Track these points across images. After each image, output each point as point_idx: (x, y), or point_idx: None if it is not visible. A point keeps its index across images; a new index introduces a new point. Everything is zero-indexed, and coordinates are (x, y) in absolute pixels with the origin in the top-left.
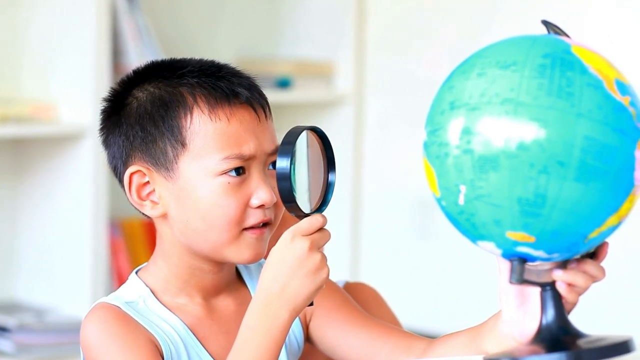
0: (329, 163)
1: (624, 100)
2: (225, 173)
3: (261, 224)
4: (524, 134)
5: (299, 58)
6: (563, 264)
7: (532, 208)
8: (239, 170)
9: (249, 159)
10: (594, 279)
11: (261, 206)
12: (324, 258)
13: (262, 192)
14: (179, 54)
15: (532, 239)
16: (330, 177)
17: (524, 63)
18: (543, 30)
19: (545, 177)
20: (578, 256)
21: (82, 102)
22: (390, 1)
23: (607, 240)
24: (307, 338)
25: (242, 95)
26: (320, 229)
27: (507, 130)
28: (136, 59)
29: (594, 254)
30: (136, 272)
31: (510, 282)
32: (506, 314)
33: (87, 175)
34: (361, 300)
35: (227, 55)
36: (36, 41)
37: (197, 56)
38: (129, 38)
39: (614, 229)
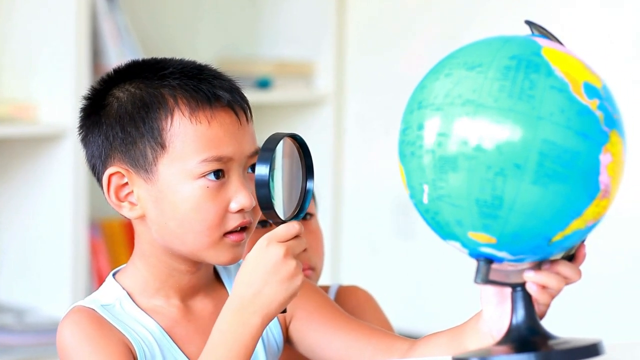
0: (308, 170)
1: (591, 103)
2: (204, 176)
3: (240, 227)
4: (482, 135)
5: (279, 58)
6: (538, 265)
7: (490, 210)
8: (218, 174)
9: (228, 161)
10: (568, 281)
11: (240, 210)
12: (298, 265)
13: (241, 197)
14: (159, 54)
15: (494, 240)
16: (309, 184)
17: (489, 64)
18: (526, 29)
19: (502, 179)
20: (559, 257)
21: (62, 102)
22: (371, 1)
23: (585, 243)
24: (287, 339)
25: (224, 98)
26: (296, 236)
27: (466, 132)
28: (116, 59)
29: (573, 256)
30: (113, 275)
31: (475, 282)
32: (486, 312)
33: (68, 176)
34: (354, 304)
35: (208, 55)
36: (16, 41)
37: (177, 57)
38: (109, 38)
39: (581, 232)
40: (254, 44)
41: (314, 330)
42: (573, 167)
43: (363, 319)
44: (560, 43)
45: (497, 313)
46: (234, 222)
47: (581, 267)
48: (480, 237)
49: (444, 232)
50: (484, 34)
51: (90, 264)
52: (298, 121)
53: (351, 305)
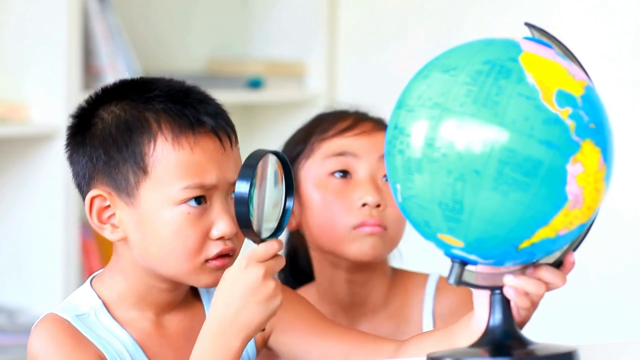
0: (287, 188)
1: (562, 112)
2: (185, 202)
3: (223, 254)
4: (445, 139)
5: (271, 58)
6: (522, 269)
7: (452, 213)
8: (200, 200)
9: (211, 188)
10: (550, 287)
11: (222, 237)
12: (277, 285)
13: (222, 224)
14: (150, 55)
15: (461, 244)
16: (288, 202)
17: (462, 68)
18: (519, 30)
19: (462, 184)
20: (550, 261)
21: (54, 102)
22: (362, 1)
23: (573, 251)
24: (269, 348)
25: (208, 125)
26: (276, 255)
27: (430, 135)
28: (108, 59)
29: (562, 263)
30: (91, 280)
31: (447, 282)
32: (478, 312)
33: (59, 176)
34: (452, 299)
35: (199, 55)
36: (7, 41)
37: (168, 57)
38: (101, 38)
39: (553, 241)
40: (245, 44)
41: (297, 340)
42: (535, 176)
43: (459, 316)
44: (562, 44)
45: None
46: (215, 248)
47: (579, 267)
48: (448, 240)
49: (420, 231)
50: (475, 34)
51: (82, 264)
52: (289, 121)
53: (449, 300)
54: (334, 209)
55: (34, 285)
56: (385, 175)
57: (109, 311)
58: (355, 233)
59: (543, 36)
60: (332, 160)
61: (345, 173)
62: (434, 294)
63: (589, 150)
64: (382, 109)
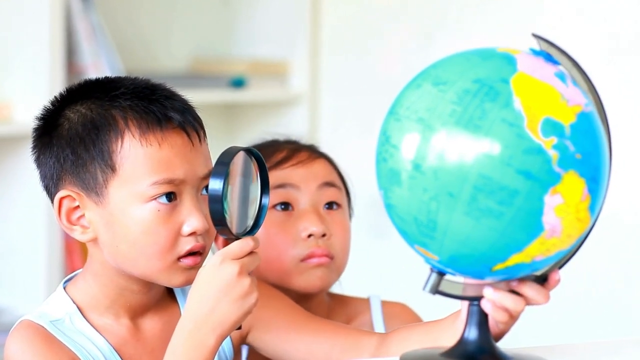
0: (263, 185)
1: (546, 142)
2: (155, 199)
3: (194, 251)
4: (423, 157)
5: (254, 57)
6: (506, 282)
7: (427, 230)
8: (170, 196)
9: (180, 184)
10: (531, 302)
11: (193, 233)
12: (253, 282)
13: (193, 220)
14: (133, 54)
15: (436, 258)
16: (264, 199)
17: (452, 84)
18: (502, 30)
19: (436, 204)
20: (539, 273)
21: (37, 101)
22: (345, 1)
23: (559, 269)
24: (251, 347)
25: (175, 120)
26: (251, 252)
27: (411, 150)
28: (90, 58)
29: (547, 278)
30: (64, 284)
31: (423, 290)
32: (464, 312)
33: None
34: (397, 322)
35: (182, 54)
36: None
37: (151, 56)
38: (83, 37)
39: (528, 265)
40: (228, 43)
41: (276, 338)
42: (509, 205)
43: None
44: (570, 58)
45: None
46: (186, 245)
47: (578, 267)
48: (425, 252)
49: (402, 237)
50: (458, 33)
51: (65, 264)
52: (272, 120)
53: (399, 322)
54: (279, 242)
55: (17, 285)
56: (327, 204)
57: (84, 316)
58: (303, 265)
59: (550, 48)
60: (272, 193)
61: (286, 205)
62: (383, 318)
63: (571, 181)
64: (365, 108)
